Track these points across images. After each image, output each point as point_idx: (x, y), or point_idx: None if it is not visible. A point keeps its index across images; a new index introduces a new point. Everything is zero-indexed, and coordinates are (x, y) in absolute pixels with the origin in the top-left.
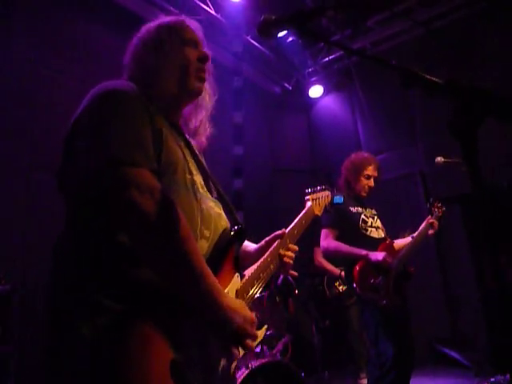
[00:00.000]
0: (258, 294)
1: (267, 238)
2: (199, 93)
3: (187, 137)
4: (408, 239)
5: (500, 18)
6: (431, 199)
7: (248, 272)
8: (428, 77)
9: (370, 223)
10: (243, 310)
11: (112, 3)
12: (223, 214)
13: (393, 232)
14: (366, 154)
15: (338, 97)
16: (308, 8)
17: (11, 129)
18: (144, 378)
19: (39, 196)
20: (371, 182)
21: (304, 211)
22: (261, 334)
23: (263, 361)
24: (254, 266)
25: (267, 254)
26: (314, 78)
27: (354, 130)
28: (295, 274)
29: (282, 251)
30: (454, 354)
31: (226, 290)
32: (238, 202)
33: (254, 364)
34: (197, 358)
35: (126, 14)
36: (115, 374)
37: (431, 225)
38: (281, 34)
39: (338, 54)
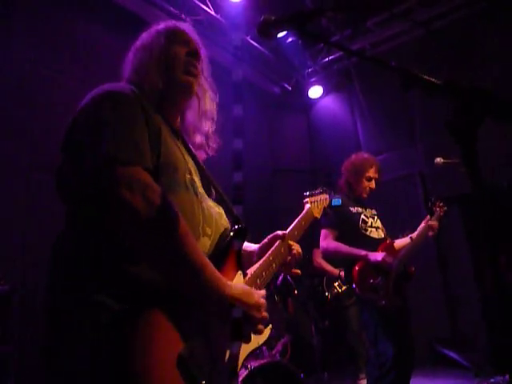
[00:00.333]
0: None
1: (268, 237)
2: (188, 86)
3: (184, 137)
4: (407, 239)
5: (500, 18)
6: (432, 198)
7: (250, 270)
8: (427, 78)
9: (370, 223)
10: (247, 296)
11: (112, 3)
12: (223, 213)
13: (392, 232)
14: (366, 156)
15: (337, 97)
16: (307, 8)
17: (11, 129)
18: (146, 378)
19: (39, 196)
20: (372, 184)
21: (303, 213)
22: (266, 332)
23: (262, 361)
24: (257, 265)
25: (269, 252)
26: (313, 79)
27: (353, 131)
28: (298, 272)
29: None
30: (453, 354)
31: None
32: (238, 196)
33: (253, 365)
34: (201, 354)
35: (125, 15)
36: (116, 373)
37: (430, 227)
38: (280, 35)
39: (337, 54)
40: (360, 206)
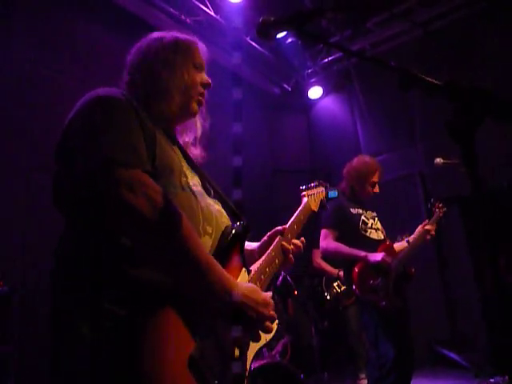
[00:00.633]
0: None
1: (269, 233)
2: (195, 114)
3: (180, 142)
4: (404, 243)
5: (500, 18)
6: (432, 200)
7: (254, 267)
8: (426, 78)
9: (370, 225)
10: (255, 294)
11: (112, 4)
12: (223, 211)
13: (392, 232)
14: (368, 160)
15: (337, 98)
16: (307, 9)
17: (11, 129)
18: (158, 380)
19: (39, 196)
20: (376, 189)
21: (301, 207)
22: (273, 327)
23: (262, 362)
24: (260, 261)
25: (271, 248)
26: (313, 79)
27: (353, 131)
28: (298, 242)
29: (289, 241)
30: (453, 355)
31: None
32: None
33: (253, 365)
34: (211, 354)
35: (125, 15)
36: (116, 374)
37: (427, 231)
38: (280, 35)
39: (337, 55)
40: (360, 208)
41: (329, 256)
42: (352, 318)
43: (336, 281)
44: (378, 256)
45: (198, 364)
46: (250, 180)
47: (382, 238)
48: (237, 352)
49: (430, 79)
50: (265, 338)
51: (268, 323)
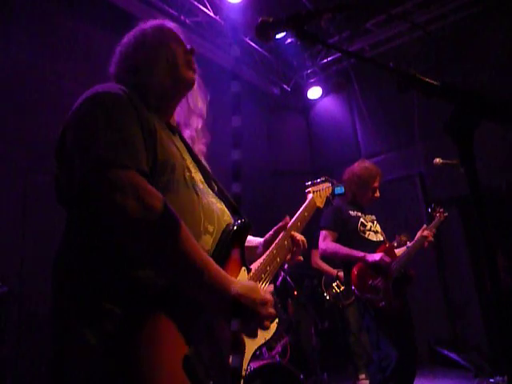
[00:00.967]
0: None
1: (273, 229)
2: (192, 82)
3: (183, 136)
4: (403, 248)
5: (499, 19)
6: (432, 204)
7: (254, 266)
8: (425, 79)
9: (368, 227)
10: (253, 292)
11: (111, 5)
12: (226, 209)
13: (391, 233)
14: (368, 165)
15: (336, 98)
16: (306, 10)
17: (9, 130)
18: (152, 382)
19: (37, 197)
20: (377, 193)
21: (306, 203)
22: (272, 327)
23: (262, 362)
24: (261, 260)
25: (272, 246)
26: (312, 80)
27: (352, 132)
28: (301, 258)
29: (292, 234)
30: (453, 355)
31: None
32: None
33: (252, 366)
34: (207, 354)
35: (125, 16)
36: (121, 378)
37: (425, 238)
38: (279, 36)
39: (336, 55)
40: (360, 211)
41: (327, 257)
42: (351, 319)
43: (335, 281)
44: (376, 256)
45: (193, 364)
46: (249, 180)
47: (382, 239)
48: (234, 352)
49: (427, 80)
50: (263, 337)
51: (266, 322)
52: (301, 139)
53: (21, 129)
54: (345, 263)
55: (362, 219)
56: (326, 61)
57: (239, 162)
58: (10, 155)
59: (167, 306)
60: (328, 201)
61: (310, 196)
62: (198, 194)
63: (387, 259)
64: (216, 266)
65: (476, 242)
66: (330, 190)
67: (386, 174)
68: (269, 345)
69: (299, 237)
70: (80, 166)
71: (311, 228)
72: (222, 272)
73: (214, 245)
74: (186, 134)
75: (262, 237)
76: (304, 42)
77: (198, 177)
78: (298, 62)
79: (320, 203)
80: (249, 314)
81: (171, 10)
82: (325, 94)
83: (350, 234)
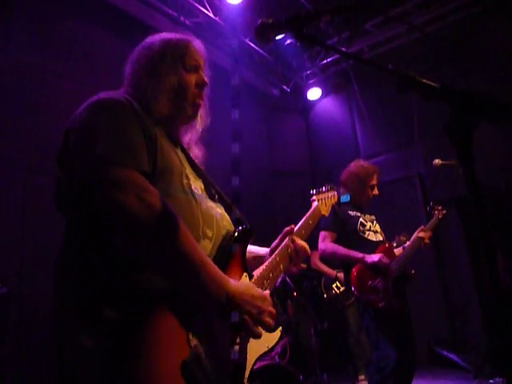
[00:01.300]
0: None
1: (277, 239)
2: (194, 118)
3: (183, 145)
4: (400, 250)
5: (499, 19)
6: (431, 203)
7: (257, 272)
8: (424, 81)
9: (368, 227)
10: (251, 290)
11: (111, 6)
12: (225, 214)
13: (390, 234)
14: (365, 163)
15: (336, 99)
16: (305, 12)
17: (9, 131)
18: None
19: (37, 198)
20: (376, 191)
21: (310, 211)
22: (275, 335)
23: (262, 363)
24: (263, 266)
25: (276, 253)
26: (312, 81)
27: (352, 132)
28: (304, 266)
29: (294, 238)
30: (452, 356)
31: None
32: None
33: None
34: (207, 358)
35: (124, 17)
36: (118, 381)
37: (421, 239)
38: (278, 38)
39: (336, 56)
40: (359, 211)
41: (327, 257)
42: (351, 319)
43: (335, 282)
44: (375, 257)
45: (192, 369)
46: (249, 181)
47: (381, 239)
48: (235, 355)
49: (427, 82)
50: (266, 344)
51: (267, 318)
52: (300, 140)
53: (21, 129)
54: (344, 264)
55: (361, 219)
56: (325, 62)
57: (238, 159)
58: (10, 155)
59: (166, 308)
60: (333, 209)
61: (314, 204)
62: (196, 200)
63: (386, 260)
64: (214, 266)
65: (476, 243)
66: (336, 199)
67: (385, 174)
68: None
69: (301, 243)
70: (81, 165)
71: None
72: (220, 273)
73: (213, 250)
74: (189, 138)
75: (261, 238)
76: (303, 43)
77: (197, 184)
78: (298, 62)
79: (325, 211)
80: (249, 311)
81: (171, 11)
82: (324, 94)
83: (350, 235)
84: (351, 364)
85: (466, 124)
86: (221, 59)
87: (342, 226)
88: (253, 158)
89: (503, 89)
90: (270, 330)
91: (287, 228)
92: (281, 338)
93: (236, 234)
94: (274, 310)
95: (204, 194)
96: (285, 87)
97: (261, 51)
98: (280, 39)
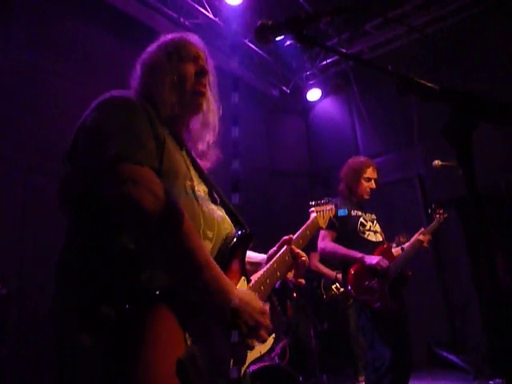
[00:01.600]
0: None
1: (275, 247)
2: (198, 107)
3: (189, 148)
4: (398, 250)
5: (499, 20)
6: (433, 205)
7: (254, 277)
8: (423, 83)
9: (368, 227)
10: (252, 301)
11: (111, 6)
12: (227, 217)
13: (390, 235)
14: (362, 158)
15: (335, 100)
16: (305, 13)
17: (9, 130)
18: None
19: (37, 198)
20: (372, 184)
21: (309, 222)
22: (269, 341)
23: (261, 364)
24: (261, 271)
25: (273, 260)
26: (311, 81)
27: (351, 133)
28: (303, 281)
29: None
30: (452, 357)
31: None
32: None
33: (251, 368)
34: (202, 359)
35: (124, 18)
36: (117, 380)
37: (421, 242)
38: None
39: (335, 57)
40: (360, 210)
41: (326, 257)
42: (351, 320)
43: (334, 283)
44: (373, 259)
45: (186, 369)
46: (248, 182)
47: (381, 240)
48: (233, 359)
49: (426, 84)
50: (259, 350)
51: (263, 332)
52: (300, 141)
53: (21, 129)
54: (343, 263)
55: (361, 219)
56: (325, 63)
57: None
58: (10, 155)
59: (165, 308)
60: (331, 222)
61: (313, 215)
62: (198, 201)
63: (384, 264)
64: (218, 268)
65: (475, 243)
66: (334, 212)
67: (385, 175)
68: None
69: (303, 257)
70: (95, 162)
71: None
72: (224, 276)
73: (213, 251)
74: (200, 147)
75: (261, 239)
76: (303, 44)
77: (200, 187)
78: (298, 63)
79: (323, 224)
80: (248, 322)
81: (170, 12)
82: (324, 95)
83: (350, 234)
84: (351, 365)
85: (465, 124)
86: (220, 60)
87: (342, 226)
88: (252, 158)
89: (503, 89)
90: (264, 342)
91: (285, 237)
92: (280, 339)
93: (236, 237)
94: (270, 325)
95: (206, 197)
96: (284, 88)
97: (260, 52)
98: (280, 40)
